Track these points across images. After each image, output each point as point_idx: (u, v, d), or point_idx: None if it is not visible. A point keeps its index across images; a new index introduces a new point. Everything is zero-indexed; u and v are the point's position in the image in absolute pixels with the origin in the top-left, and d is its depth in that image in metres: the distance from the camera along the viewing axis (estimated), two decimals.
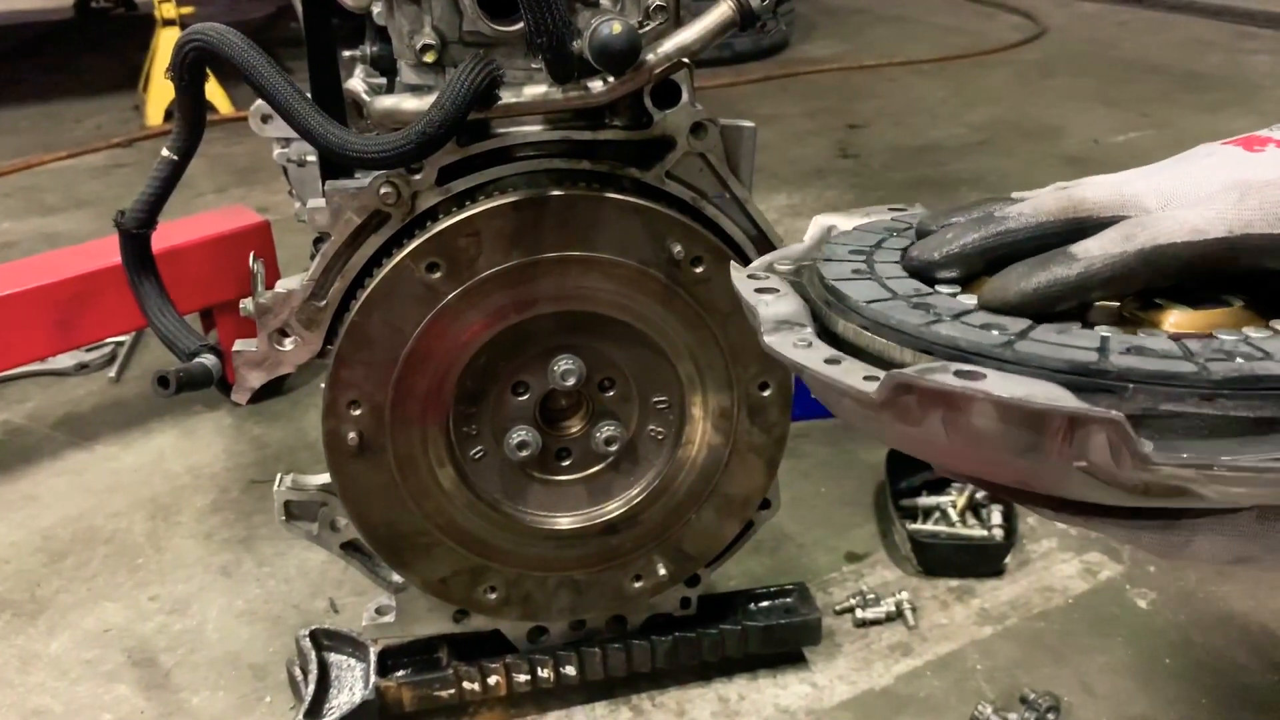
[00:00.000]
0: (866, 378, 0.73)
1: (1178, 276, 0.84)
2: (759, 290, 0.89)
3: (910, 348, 0.76)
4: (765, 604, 1.92)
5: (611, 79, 1.40)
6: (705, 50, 1.43)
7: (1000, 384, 0.67)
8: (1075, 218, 0.86)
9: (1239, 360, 0.70)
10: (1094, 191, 0.87)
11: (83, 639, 2.09)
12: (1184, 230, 0.82)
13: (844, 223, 1.07)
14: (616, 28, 1.32)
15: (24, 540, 2.39)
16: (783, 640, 1.90)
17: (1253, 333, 0.77)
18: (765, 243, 1.59)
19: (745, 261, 1.57)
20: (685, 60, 1.43)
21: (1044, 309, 0.84)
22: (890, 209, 1.12)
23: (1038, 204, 0.88)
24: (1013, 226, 0.87)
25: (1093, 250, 0.83)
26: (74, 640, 2.09)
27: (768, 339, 0.81)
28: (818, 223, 1.07)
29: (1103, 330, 0.77)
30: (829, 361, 0.76)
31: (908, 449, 0.79)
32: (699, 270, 1.54)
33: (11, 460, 2.69)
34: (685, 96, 1.51)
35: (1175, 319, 0.81)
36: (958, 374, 0.68)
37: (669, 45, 1.41)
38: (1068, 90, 5.72)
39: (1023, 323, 0.77)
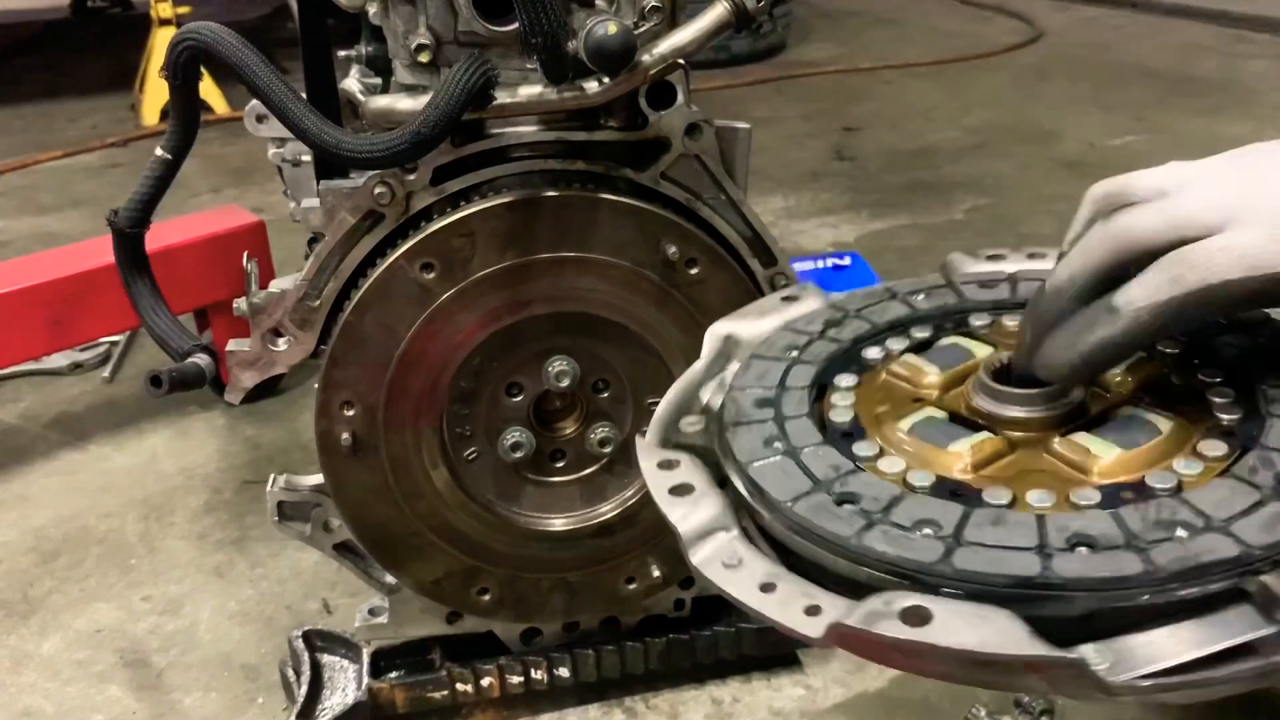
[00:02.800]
0: (808, 610, 0.70)
1: (1233, 310, 0.80)
2: (673, 492, 0.84)
3: (844, 559, 0.73)
4: None
5: (606, 80, 1.39)
6: (700, 51, 1.42)
7: (949, 629, 0.64)
8: (1128, 256, 0.79)
9: (1181, 535, 0.68)
10: (1142, 223, 0.79)
11: (75, 639, 2.08)
12: (1240, 265, 0.74)
13: (740, 329, 1.04)
14: (612, 28, 1.32)
15: (16, 540, 2.38)
16: (777, 642, 1.90)
17: (1182, 468, 0.76)
18: (760, 244, 1.59)
19: (740, 262, 1.58)
20: (680, 61, 1.43)
21: (1098, 373, 0.82)
22: (783, 298, 1.09)
23: (1086, 256, 0.81)
24: (1074, 292, 0.81)
25: (1137, 300, 0.76)
26: (66, 641, 2.08)
27: (694, 560, 0.78)
28: (714, 334, 1.04)
29: (1037, 499, 0.75)
30: (764, 589, 0.73)
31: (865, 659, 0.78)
32: (693, 272, 1.54)
33: (4, 460, 2.68)
34: (680, 98, 1.51)
35: (1104, 465, 0.78)
36: (903, 617, 0.65)
37: (664, 46, 1.41)
38: (1064, 94, 5.73)
39: (955, 512, 0.74)
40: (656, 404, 1.61)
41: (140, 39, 5.99)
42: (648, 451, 0.90)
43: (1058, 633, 0.64)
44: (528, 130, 1.50)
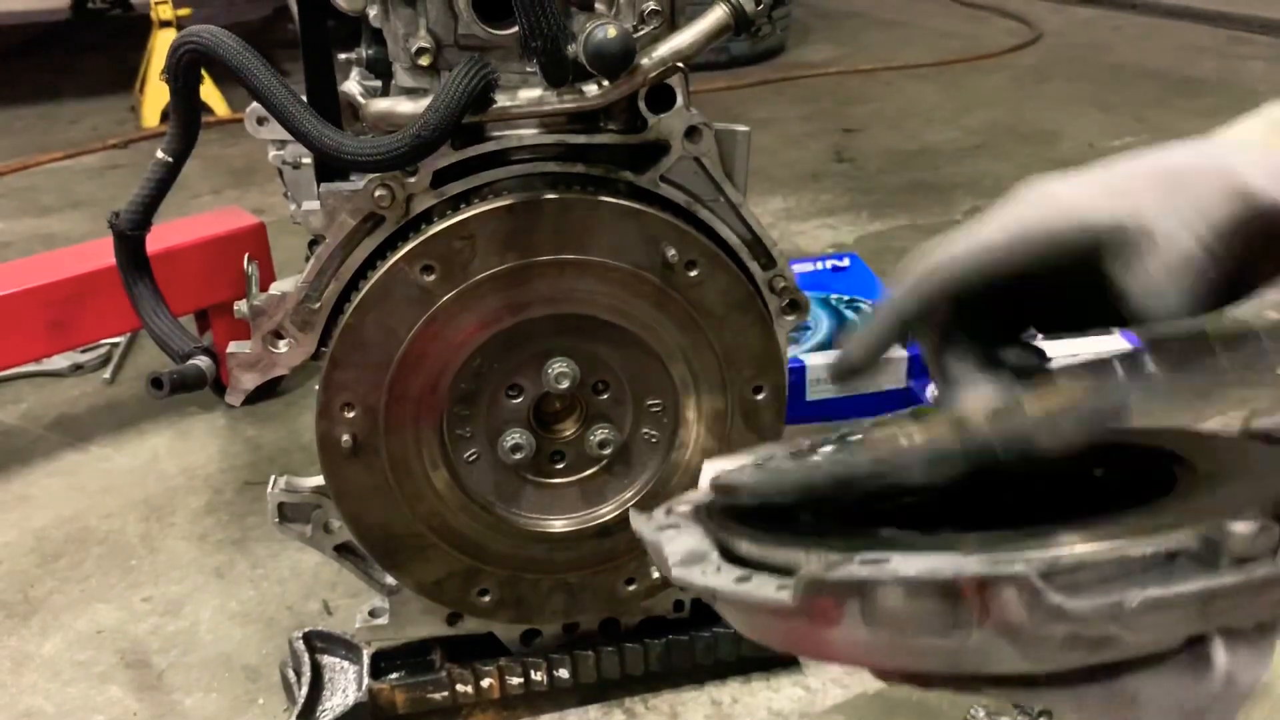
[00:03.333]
0: (779, 587, 0.73)
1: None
2: (660, 528, 0.89)
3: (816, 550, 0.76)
4: None
5: (606, 83, 1.40)
6: (700, 54, 1.43)
7: (905, 563, 0.67)
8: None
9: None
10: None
11: (75, 640, 2.09)
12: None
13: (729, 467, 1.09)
14: (611, 32, 1.32)
15: (17, 541, 2.39)
16: None
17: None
18: (760, 246, 1.60)
19: (740, 265, 1.58)
20: (680, 64, 1.44)
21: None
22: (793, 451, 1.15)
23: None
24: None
25: None
26: (67, 641, 2.08)
27: (676, 571, 0.81)
28: (709, 471, 1.08)
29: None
30: (740, 580, 0.76)
31: (839, 660, 0.80)
32: (693, 274, 1.54)
33: (5, 460, 2.68)
34: (680, 100, 1.51)
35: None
36: (863, 562, 0.68)
37: (664, 49, 1.41)
38: (1063, 95, 5.73)
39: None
40: (656, 406, 1.64)
41: (141, 40, 5.99)
42: (638, 516, 0.94)
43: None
44: (528, 133, 1.50)
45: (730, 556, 0.85)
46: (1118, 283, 0.76)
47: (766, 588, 0.73)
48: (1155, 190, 0.80)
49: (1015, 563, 0.66)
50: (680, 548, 0.84)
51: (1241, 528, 0.65)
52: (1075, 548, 0.67)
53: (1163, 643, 0.69)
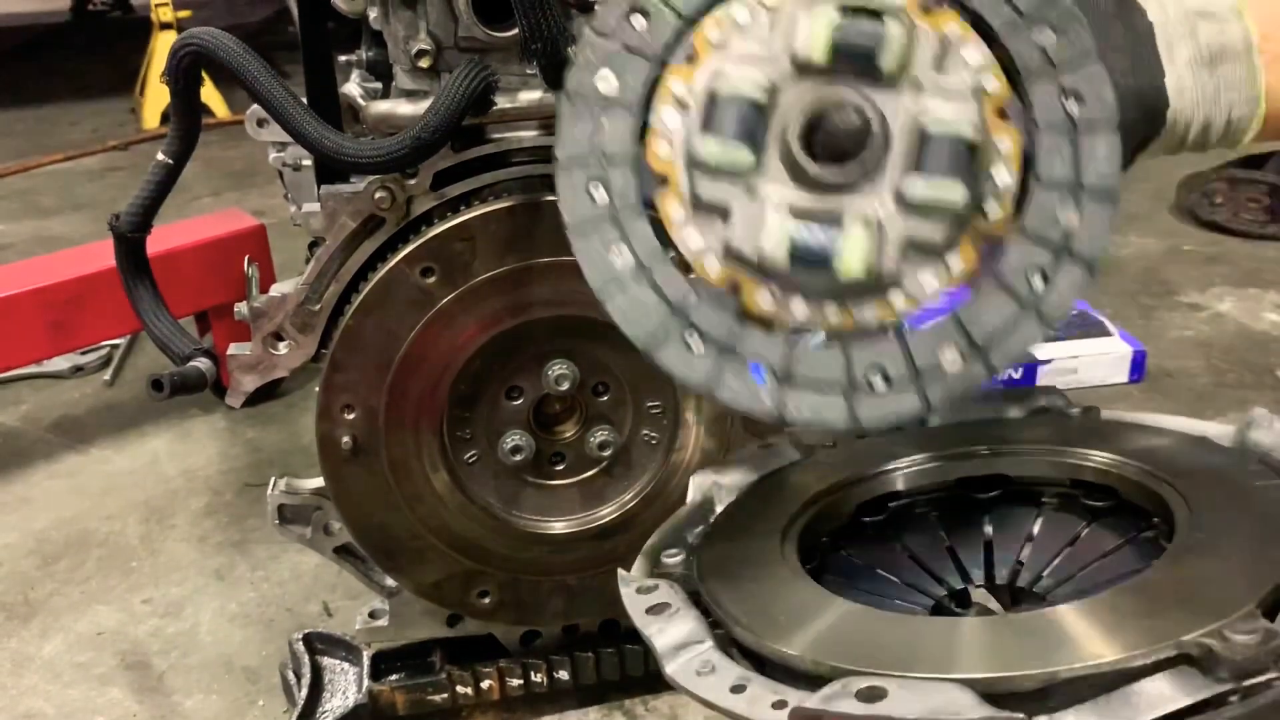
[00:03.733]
0: (775, 705, 0.74)
1: None
2: (650, 612, 0.89)
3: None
4: None
5: None
6: None
7: (902, 702, 0.68)
8: None
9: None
10: None
11: (76, 642, 2.09)
12: None
13: (724, 479, 1.10)
14: None
15: (17, 543, 2.39)
16: None
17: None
18: None
19: None
20: None
21: None
22: (760, 445, 1.17)
23: None
24: None
25: None
26: (67, 643, 2.08)
27: (669, 670, 0.82)
28: (698, 483, 1.11)
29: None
30: (735, 690, 0.77)
31: None
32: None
33: (6, 462, 2.68)
34: None
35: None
36: (860, 695, 0.69)
37: None
38: None
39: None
40: (656, 407, 1.64)
41: (141, 42, 6.00)
42: (627, 581, 0.96)
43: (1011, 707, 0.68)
44: (528, 135, 1.50)
45: (723, 638, 0.85)
46: None
47: (760, 708, 0.74)
48: None
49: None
50: (671, 640, 0.84)
51: (1242, 638, 0.65)
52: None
53: None
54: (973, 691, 0.68)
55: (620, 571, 0.96)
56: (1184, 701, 0.66)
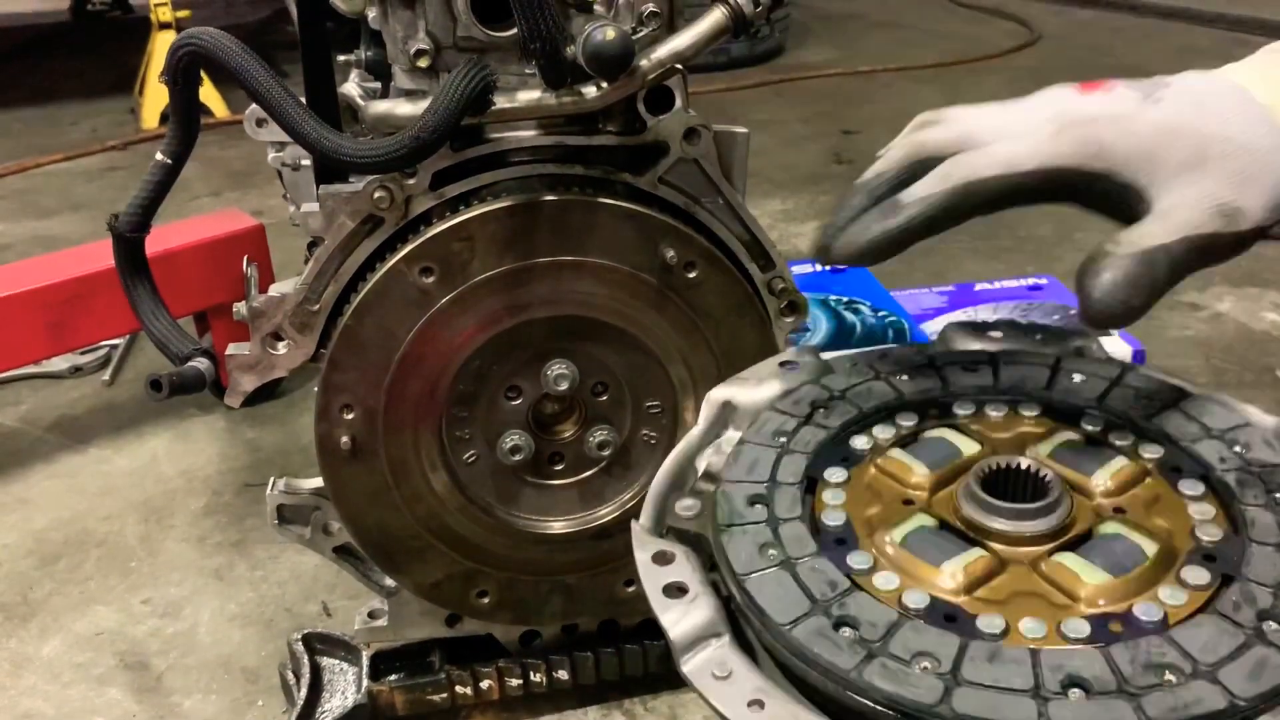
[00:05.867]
0: None
1: (995, 208, 0.91)
2: (667, 592, 0.86)
3: (846, 688, 0.75)
4: None
5: (605, 84, 1.40)
6: (699, 56, 1.43)
7: None
8: (920, 160, 0.94)
9: (1170, 680, 0.71)
10: (935, 136, 0.96)
11: (75, 642, 2.09)
12: (997, 164, 0.89)
13: (737, 394, 1.06)
14: (610, 33, 1.32)
15: (16, 543, 2.39)
16: None
17: (1168, 598, 0.79)
18: (758, 248, 1.60)
19: (739, 266, 1.58)
20: (679, 66, 1.44)
21: (883, 257, 0.92)
22: (780, 363, 1.11)
23: (889, 157, 0.97)
24: (872, 188, 0.96)
25: (915, 193, 0.90)
26: (66, 643, 2.08)
27: (685, 669, 0.80)
28: (711, 400, 1.06)
29: (1029, 629, 0.77)
30: (752, 704, 0.75)
31: None
32: (692, 275, 1.54)
33: (4, 463, 2.68)
34: (679, 102, 1.51)
35: (1090, 591, 0.81)
36: None
37: (662, 51, 1.41)
38: None
39: (951, 644, 0.76)
40: (655, 407, 1.64)
41: (140, 42, 6.00)
42: (643, 541, 0.92)
43: None
44: (526, 135, 1.50)
45: (741, 636, 0.83)
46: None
47: None
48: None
49: None
50: (686, 630, 0.82)
51: None
52: None
53: None
54: None
55: (634, 525, 0.93)
56: None
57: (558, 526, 1.69)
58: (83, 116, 6.08)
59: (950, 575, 0.83)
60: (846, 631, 0.78)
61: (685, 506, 0.95)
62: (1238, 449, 0.92)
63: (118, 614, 2.16)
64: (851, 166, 4.80)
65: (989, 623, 0.78)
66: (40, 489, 2.59)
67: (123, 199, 1.56)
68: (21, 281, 2.56)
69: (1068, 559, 0.84)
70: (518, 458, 1.60)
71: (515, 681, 1.80)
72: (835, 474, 0.96)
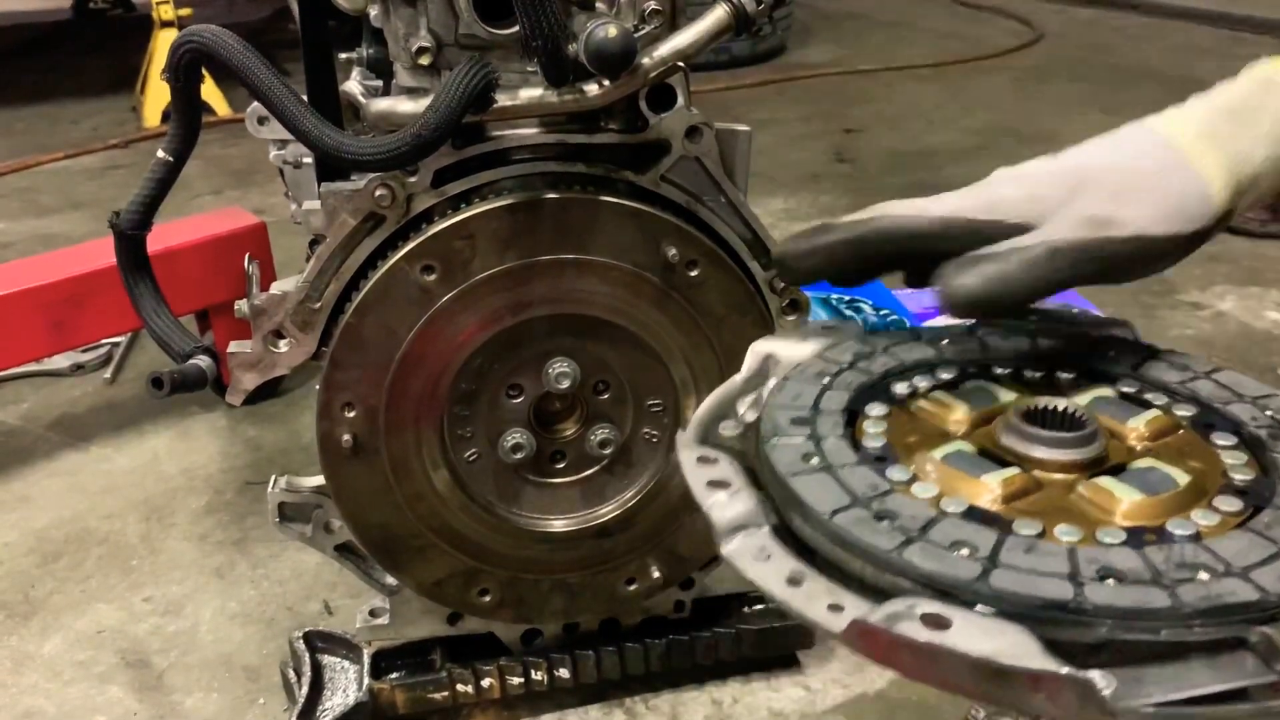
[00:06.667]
0: (831, 607, 0.73)
1: (904, 254, 0.99)
2: (710, 484, 0.87)
3: (885, 570, 0.76)
4: (759, 607, 1.92)
5: (607, 82, 1.40)
6: (700, 54, 1.43)
7: (966, 636, 0.67)
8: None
9: (1203, 577, 0.72)
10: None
11: (76, 640, 2.09)
12: (911, 210, 0.98)
13: (780, 349, 1.07)
14: (612, 31, 1.32)
15: (17, 541, 2.39)
16: (776, 643, 1.90)
17: (1200, 519, 0.80)
18: (760, 246, 1.60)
19: (740, 264, 1.58)
20: (680, 64, 1.44)
21: (812, 273, 1.00)
22: (824, 327, 1.13)
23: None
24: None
25: (843, 218, 0.98)
26: (67, 641, 2.08)
27: (725, 549, 0.81)
28: (755, 351, 1.07)
29: (1065, 533, 0.78)
30: (791, 582, 0.76)
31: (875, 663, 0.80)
32: (693, 274, 1.54)
33: (6, 461, 2.68)
34: (680, 100, 1.51)
35: (1126, 509, 0.82)
36: (924, 620, 0.68)
37: (664, 49, 1.41)
38: (1064, 96, 5.73)
39: (989, 537, 0.77)
40: (657, 405, 1.64)
41: (142, 41, 6.00)
42: (688, 447, 0.93)
43: (1066, 658, 0.67)
44: (528, 133, 1.50)
45: (786, 529, 0.84)
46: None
47: (817, 607, 0.73)
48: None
49: (1075, 661, 0.66)
50: (730, 516, 0.83)
51: None
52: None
53: None
54: (1036, 638, 0.67)
55: (678, 435, 0.94)
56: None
57: (559, 525, 1.68)
58: (84, 115, 6.09)
59: (988, 487, 0.85)
60: (886, 523, 0.79)
61: (728, 427, 0.97)
62: (1269, 412, 0.94)
63: (119, 612, 2.16)
64: (852, 165, 4.79)
65: (1026, 525, 0.79)
66: (41, 487, 2.59)
67: (124, 197, 1.56)
68: (23, 280, 2.56)
69: (1103, 480, 0.85)
70: (519, 456, 1.60)
71: (516, 680, 1.80)
72: (876, 409, 0.98)
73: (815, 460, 0.88)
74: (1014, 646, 0.66)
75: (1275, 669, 0.67)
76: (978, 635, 0.67)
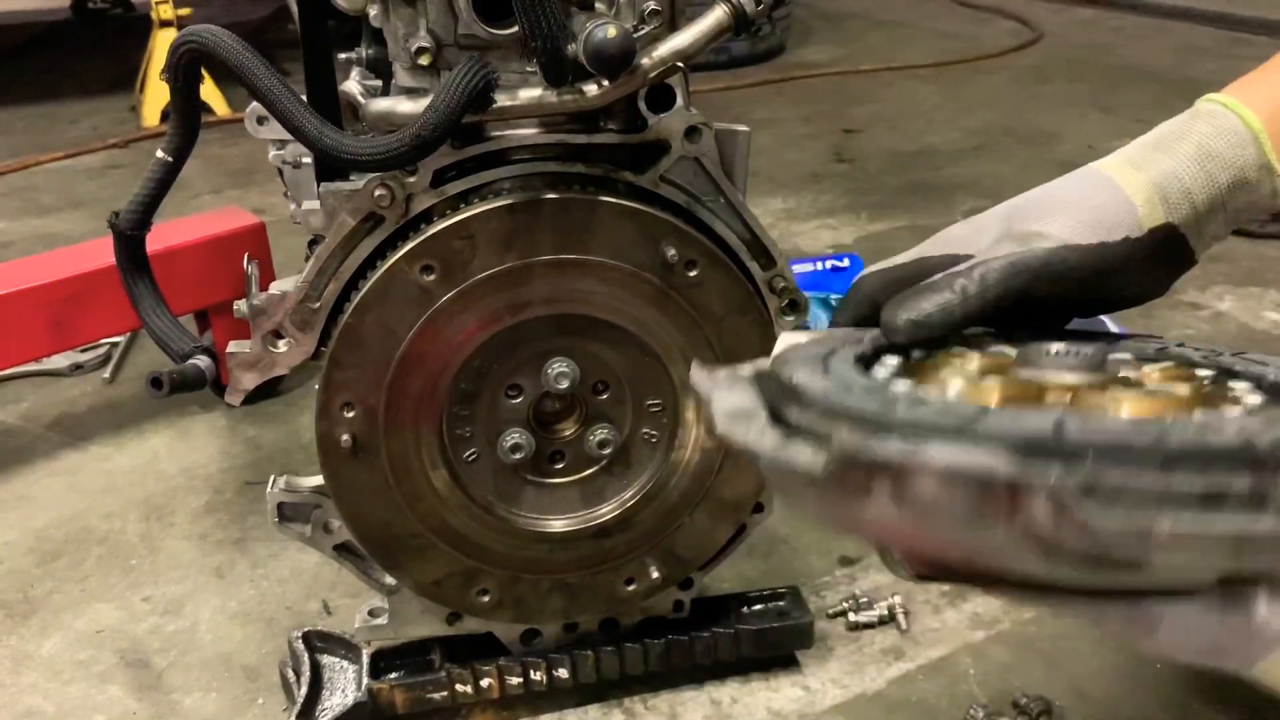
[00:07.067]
0: (815, 453, 0.72)
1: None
2: (713, 378, 0.89)
3: (869, 430, 0.73)
4: (758, 607, 1.93)
5: (606, 82, 1.40)
6: (700, 54, 1.43)
7: (942, 452, 0.66)
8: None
9: (1193, 430, 0.68)
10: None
11: (75, 640, 2.09)
12: (883, 263, 1.09)
13: (803, 339, 1.07)
14: (611, 31, 1.32)
15: (17, 541, 2.39)
16: (775, 643, 1.91)
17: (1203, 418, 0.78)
18: (759, 246, 1.60)
19: (740, 264, 1.58)
20: (680, 64, 1.44)
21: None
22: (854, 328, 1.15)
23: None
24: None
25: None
26: (66, 641, 2.08)
27: (721, 426, 0.81)
28: (785, 340, 1.09)
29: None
30: (779, 444, 0.75)
31: (866, 534, 0.78)
32: (693, 274, 1.54)
33: (5, 460, 2.68)
34: (680, 100, 1.51)
35: (1140, 406, 0.79)
36: (901, 441, 0.67)
37: (664, 49, 1.41)
38: (1063, 96, 5.74)
39: (984, 410, 0.75)
40: (656, 406, 1.64)
41: (141, 40, 6.00)
42: (699, 370, 0.95)
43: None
44: (528, 133, 1.50)
45: (779, 420, 0.83)
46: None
47: (802, 453, 0.72)
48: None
49: (1051, 471, 0.64)
50: (729, 404, 0.83)
51: None
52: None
53: (1193, 577, 0.67)
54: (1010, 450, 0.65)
55: (696, 363, 0.96)
56: None
57: (558, 525, 1.69)
58: (84, 114, 6.08)
59: (990, 390, 0.83)
60: (879, 396, 0.78)
61: (745, 368, 0.96)
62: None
63: (118, 611, 2.16)
64: (852, 165, 4.80)
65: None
66: (41, 486, 2.59)
67: (124, 196, 1.56)
68: (22, 279, 2.56)
69: (1110, 390, 0.84)
70: (518, 456, 1.60)
71: (515, 680, 1.80)
72: (890, 360, 0.99)
73: (820, 370, 0.87)
74: (989, 459, 0.64)
75: (1266, 513, 0.63)
76: (953, 451, 0.65)
